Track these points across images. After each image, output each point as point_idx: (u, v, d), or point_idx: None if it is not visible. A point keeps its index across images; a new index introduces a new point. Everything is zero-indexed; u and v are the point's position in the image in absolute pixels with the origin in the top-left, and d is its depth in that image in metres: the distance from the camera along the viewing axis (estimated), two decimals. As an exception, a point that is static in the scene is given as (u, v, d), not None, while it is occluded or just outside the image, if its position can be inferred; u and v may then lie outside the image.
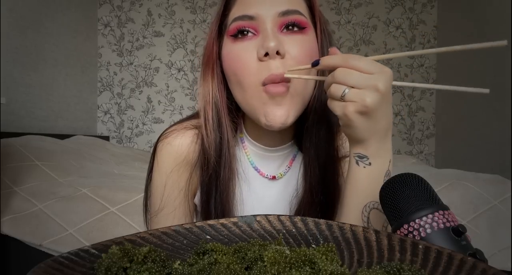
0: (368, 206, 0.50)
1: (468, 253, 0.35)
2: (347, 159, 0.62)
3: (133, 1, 3.16)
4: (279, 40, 0.53)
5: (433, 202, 0.40)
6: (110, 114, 3.17)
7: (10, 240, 1.35)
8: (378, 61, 0.46)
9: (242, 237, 0.37)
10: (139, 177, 1.71)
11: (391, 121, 0.48)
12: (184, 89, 3.18)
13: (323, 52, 0.60)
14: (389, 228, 0.48)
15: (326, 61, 0.47)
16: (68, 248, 1.24)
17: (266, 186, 0.66)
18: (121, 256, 0.29)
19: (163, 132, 0.65)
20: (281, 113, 0.54)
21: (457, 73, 2.80)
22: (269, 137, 0.64)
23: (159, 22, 3.17)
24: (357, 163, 0.49)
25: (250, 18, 0.54)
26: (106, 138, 3.03)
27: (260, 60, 0.53)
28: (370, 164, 0.49)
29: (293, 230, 0.38)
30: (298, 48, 0.54)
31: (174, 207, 0.62)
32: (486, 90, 0.43)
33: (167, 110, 3.17)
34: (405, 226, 0.38)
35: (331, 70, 0.47)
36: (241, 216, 0.39)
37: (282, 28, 0.55)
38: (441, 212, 0.38)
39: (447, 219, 0.38)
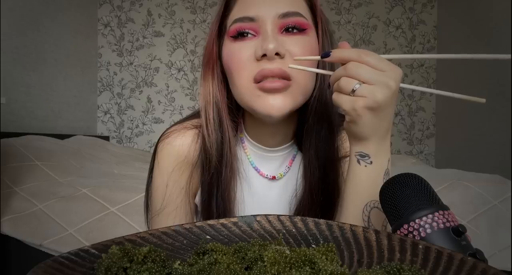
0: (369, 206, 0.50)
1: (468, 253, 0.35)
2: (347, 159, 0.62)
3: (133, 1, 3.16)
4: (279, 41, 0.53)
5: (433, 202, 0.39)
6: (110, 114, 3.17)
7: (10, 240, 1.35)
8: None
9: (242, 237, 0.37)
10: (139, 177, 1.71)
11: (392, 120, 0.48)
12: (184, 89, 3.18)
13: (324, 50, 0.60)
14: (389, 227, 0.48)
15: (338, 53, 0.46)
16: (68, 248, 1.24)
17: (266, 186, 0.66)
18: (121, 256, 0.29)
19: (164, 132, 0.65)
20: (277, 102, 0.54)
21: (457, 73, 2.80)
22: (269, 137, 0.64)
23: (159, 22, 3.17)
24: (358, 162, 0.49)
25: (251, 19, 0.54)
26: (106, 138, 3.03)
27: (257, 60, 0.53)
28: (371, 163, 0.49)
29: (293, 230, 0.38)
30: (298, 47, 0.54)
31: (175, 206, 0.62)
32: (483, 100, 0.44)
33: (167, 110, 3.17)
34: (405, 226, 0.38)
35: (337, 64, 0.48)
36: (241, 216, 0.39)
37: (282, 30, 0.54)
38: (441, 212, 0.38)
39: (447, 219, 0.38)
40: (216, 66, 0.61)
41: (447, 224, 0.37)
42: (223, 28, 0.60)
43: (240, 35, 0.55)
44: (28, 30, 2.28)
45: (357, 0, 3.13)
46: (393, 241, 0.34)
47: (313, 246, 0.35)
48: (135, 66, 3.17)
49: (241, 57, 0.55)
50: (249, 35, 0.55)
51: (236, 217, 0.39)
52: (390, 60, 0.46)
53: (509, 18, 2.15)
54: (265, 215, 0.39)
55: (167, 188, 0.62)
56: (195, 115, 0.67)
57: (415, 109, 3.12)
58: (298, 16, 0.55)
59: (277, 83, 0.53)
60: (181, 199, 0.63)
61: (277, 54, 0.52)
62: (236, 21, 0.55)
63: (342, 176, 0.64)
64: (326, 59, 0.47)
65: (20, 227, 1.33)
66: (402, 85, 0.47)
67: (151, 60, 3.17)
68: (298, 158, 0.66)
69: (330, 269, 0.27)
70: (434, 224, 0.37)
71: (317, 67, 0.59)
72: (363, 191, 0.50)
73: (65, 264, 0.28)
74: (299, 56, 0.54)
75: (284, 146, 0.65)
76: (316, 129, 0.61)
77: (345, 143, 0.65)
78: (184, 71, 3.17)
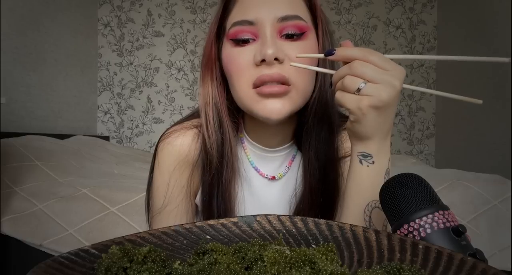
0: (370, 206, 0.50)
1: (468, 253, 0.35)
2: (347, 159, 0.62)
3: (133, 1, 3.16)
4: (278, 46, 0.53)
5: (433, 202, 0.39)
6: (110, 114, 3.17)
7: (10, 240, 1.35)
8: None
9: (242, 237, 0.37)
10: (139, 177, 1.71)
11: (393, 120, 0.49)
12: (184, 89, 3.18)
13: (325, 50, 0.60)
14: (389, 227, 0.48)
15: (342, 51, 0.45)
16: (68, 248, 1.24)
17: (265, 186, 0.66)
18: (121, 256, 0.29)
19: (164, 132, 0.65)
20: (277, 106, 0.54)
21: (457, 73, 2.80)
22: (269, 138, 0.64)
23: (159, 22, 3.17)
24: (360, 162, 0.49)
25: (250, 23, 0.54)
26: (106, 138, 3.03)
27: (257, 65, 0.53)
28: (373, 162, 0.49)
29: (293, 230, 0.38)
30: (297, 52, 0.54)
31: (176, 205, 0.63)
32: (479, 101, 0.44)
33: (167, 110, 3.17)
34: (405, 226, 0.38)
35: (337, 63, 0.48)
36: (241, 216, 0.39)
37: (282, 35, 0.54)
38: (441, 212, 0.38)
39: (447, 219, 0.38)
40: (215, 67, 0.61)
41: (447, 224, 0.37)
42: (222, 29, 0.60)
43: (241, 41, 0.55)
44: (28, 30, 2.28)
45: (357, 0, 3.13)
46: (393, 241, 0.34)
47: (313, 246, 0.35)
48: (135, 66, 3.17)
49: (240, 62, 0.55)
50: (249, 40, 0.55)
51: (236, 217, 0.39)
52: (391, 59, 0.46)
53: (509, 18, 2.15)
54: (265, 215, 0.39)
55: (168, 187, 0.62)
56: (195, 114, 0.67)
57: (415, 109, 3.12)
58: (297, 19, 0.54)
59: (276, 88, 0.53)
60: (181, 197, 0.63)
61: (276, 59, 0.53)
62: (235, 24, 0.55)
63: (342, 176, 0.64)
64: (330, 57, 0.46)
65: (20, 227, 1.33)
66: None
67: (151, 60, 3.17)
68: (298, 158, 0.66)
69: (330, 269, 0.27)
70: (434, 224, 0.37)
71: (318, 66, 0.59)
72: (365, 191, 0.50)
73: (65, 264, 0.28)
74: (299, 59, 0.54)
75: (284, 146, 0.65)
76: (316, 130, 0.61)
77: (345, 143, 0.65)
78: (184, 71, 3.17)
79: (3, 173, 1.44)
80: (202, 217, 0.65)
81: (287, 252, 0.30)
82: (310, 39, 0.56)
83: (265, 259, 0.29)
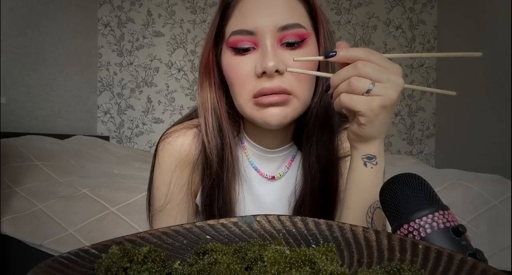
0: (373, 206, 0.50)
1: (468, 253, 0.35)
2: (346, 158, 0.63)
3: (133, 1, 3.16)
4: (279, 57, 0.53)
5: (433, 202, 0.39)
6: (110, 114, 3.17)
7: (10, 240, 1.35)
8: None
9: (242, 237, 0.37)
10: (139, 177, 1.71)
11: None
12: (184, 89, 3.18)
13: None
14: (388, 226, 0.48)
15: (345, 53, 0.44)
16: (68, 248, 1.24)
17: (265, 186, 0.66)
18: (121, 256, 0.29)
19: (164, 132, 0.65)
20: (277, 114, 0.54)
21: (457, 73, 2.80)
22: (269, 139, 0.64)
23: (159, 22, 3.17)
24: (365, 164, 0.49)
25: (249, 32, 0.54)
26: (106, 138, 3.03)
27: (257, 76, 0.53)
28: (376, 163, 0.49)
29: (293, 230, 0.38)
30: (298, 63, 0.54)
31: (176, 203, 0.63)
32: (453, 92, 0.45)
33: (167, 110, 3.17)
34: (405, 226, 0.38)
35: (332, 66, 0.47)
36: (241, 216, 0.39)
37: (282, 43, 0.54)
38: (441, 212, 0.38)
39: (447, 219, 0.38)
40: (213, 73, 0.61)
41: (447, 224, 0.37)
42: (221, 35, 0.59)
43: (241, 50, 0.55)
44: (28, 30, 2.28)
45: (357, 0, 3.13)
46: (393, 241, 0.34)
47: (313, 246, 0.35)
48: (135, 66, 3.17)
49: (241, 72, 0.55)
50: (249, 49, 0.55)
51: (236, 217, 0.39)
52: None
53: (509, 18, 2.15)
54: (265, 215, 0.39)
55: (168, 186, 0.62)
56: (194, 114, 0.67)
57: (415, 109, 3.12)
58: (298, 28, 0.54)
59: (275, 98, 0.53)
60: (182, 196, 0.63)
61: (276, 71, 0.52)
62: (235, 33, 0.55)
63: (341, 176, 0.64)
64: (332, 59, 0.45)
65: (20, 227, 1.33)
66: None
67: (151, 60, 3.17)
68: (298, 158, 0.66)
69: (330, 269, 0.27)
70: (434, 224, 0.37)
71: (318, 69, 0.59)
72: (368, 192, 0.50)
73: (65, 264, 0.28)
74: (298, 67, 0.53)
75: (284, 147, 0.65)
76: (317, 134, 0.61)
77: (344, 143, 0.65)
78: (184, 71, 3.17)
79: (3, 173, 1.44)
80: (202, 218, 0.65)
81: (287, 252, 0.30)
82: (310, 45, 0.56)
83: (265, 259, 0.29)
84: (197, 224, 0.38)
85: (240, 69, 0.55)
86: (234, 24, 0.56)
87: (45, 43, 2.45)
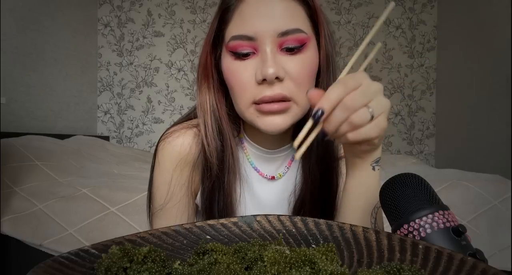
0: (376, 207, 0.50)
1: (468, 253, 0.35)
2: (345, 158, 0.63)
3: (133, 1, 3.16)
4: (279, 63, 0.53)
5: (433, 202, 0.40)
6: (110, 114, 3.17)
7: (10, 240, 1.35)
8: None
9: (242, 237, 0.37)
10: (139, 177, 1.71)
11: None
12: (184, 89, 3.18)
13: (328, 56, 0.59)
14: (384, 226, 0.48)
15: (327, 103, 0.41)
16: (68, 248, 1.24)
17: (265, 186, 0.66)
18: (121, 256, 0.29)
19: (164, 132, 0.65)
20: (277, 121, 0.54)
21: (457, 73, 2.80)
22: (269, 140, 0.64)
23: (159, 22, 3.17)
24: (373, 168, 0.49)
25: (249, 38, 0.53)
26: (106, 138, 3.03)
27: (258, 83, 0.53)
28: (379, 164, 0.49)
29: (293, 230, 0.38)
30: (298, 69, 0.54)
31: (176, 201, 0.63)
32: (379, 44, 0.46)
33: (167, 110, 3.17)
34: (405, 226, 0.38)
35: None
36: (241, 216, 0.39)
37: (282, 48, 0.54)
38: (441, 212, 0.38)
39: (447, 219, 0.38)
40: (212, 76, 0.61)
41: (447, 224, 0.37)
42: (220, 38, 0.59)
43: (241, 55, 0.55)
44: (28, 30, 2.28)
45: (357, 0, 3.13)
46: (393, 241, 0.34)
47: (313, 246, 0.35)
48: (135, 66, 3.17)
49: (242, 78, 0.55)
50: (249, 54, 0.54)
51: (236, 217, 0.39)
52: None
53: (509, 18, 2.15)
54: (265, 215, 0.39)
55: (168, 186, 0.62)
56: (192, 113, 0.67)
57: (415, 109, 3.12)
58: (298, 33, 0.54)
59: (275, 106, 0.53)
60: (181, 195, 0.63)
61: (276, 77, 0.52)
62: (234, 38, 0.55)
63: (341, 176, 0.64)
64: (324, 117, 0.41)
65: (20, 227, 1.33)
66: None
67: (151, 60, 3.17)
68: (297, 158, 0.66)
69: (330, 269, 0.27)
70: (434, 224, 0.37)
71: (318, 74, 0.59)
72: (374, 194, 0.50)
73: (65, 264, 0.28)
74: (297, 79, 0.53)
75: (283, 147, 0.65)
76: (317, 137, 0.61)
77: None
78: (184, 71, 3.17)
79: (3, 173, 1.44)
80: (203, 219, 0.65)
81: (287, 252, 0.30)
82: (310, 50, 0.56)
83: (265, 259, 0.29)
84: (197, 224, 0.38)
85: (241, 75, 0.55)
86: (234, 28, 0.55)
87: (45, 43, 2.45)
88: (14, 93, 2.16)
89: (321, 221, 0.39)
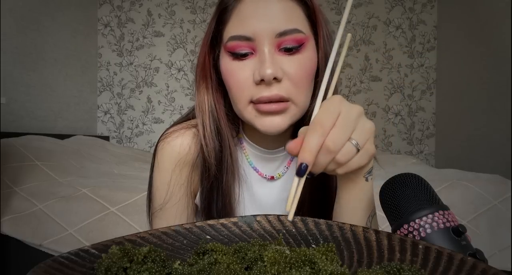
0: (370, 215, 0.50)
1: (468, 253, 0.35)
2: None
3: (133, 1, 3.16)
4: (277, 63, 0.53)
5: (433, 202, 0.40)
6: (110, 114, 3.17)
7: (10, 240, 1.35)
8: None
9: (242, 237, 0.37)
10: (139, 177, 1.71)
11: None
12: (184, 89, 3.18)
13: (326, 56, 0.59)
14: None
15: (309, 155, 0.38)
16: (68, 248, 1.24)
17: (264, 186, 0.66)
18: (121, 256, 0.29)
19: (164, 132, 0.65)
20: (275, 122, 0.54)
21: (457, 73, 2.80)
22: (268, 140, 0.64)
23: (159, 22, 3.17)
24: (366, 179, 0.48)
25: (247, 39, 0.53)
26: (106, 138, 3.03)
27: (256, 84, 0.54)
28: (372, 173, 0.49)
29: (293, 230, 0.38)
30: (296, 69, 0.54)
31: (176, 201, 0.63)
32: (349, 35, 0.44)
33: (167, 110, 3.17)
34: (405, 226, 0.38)
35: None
36: (241, 216, 0.39)
37: (280, 48, 0.54)
38: (441, 212, 0.38)
39: (447, 219, 0.38)
40: (210, 76, 0.61)
41: (447, 224, 0.37)
42: (218, 38, 0.59)
43: (239, 55, 0.55)
44: (28, 30, 2.28)
45: (357, 0, 3.13)
46: (393, 241, 0.34)
47: (313, 246, 0.35)
48: (135, 66, 3.17)
49: (240, 78, 0.55)
50: (247, 54, 0.54)
51: (236, 217, 0.39)
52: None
53: (509, 18, 2.15)
54: (265, 215, 0.39)
55: (167, 185, 0.62)
56: (192, 114, 0.67)
57: (415, 109, 3.12)
58: (296, 33, 0.53)
59: (274, 106, 0.53)
60: (181, 194, 0.63)
61: (274, 78, 0.52)
62: (232, 38, 0.55)
63: None
64: (312, 169, 0.40)
65: (20, 227, 1.33)
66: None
67: (151, 60, 3.17)
68: (297, 158, 0.66)
69: (330, 269, 0.27)
70: (434, 224, 0.37)
71: (317, 73, 0.59)
72: (370, 203, 0.49)
73: (65, 264, 0.28)
74: (295, 79, 0.53)
75: (283, 148, 0.65)
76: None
77: None
78: (184, 71, 3.17)
79: (3, 173, 1.44)
80: (202, 219, 0.65)
81: (287, 252, 0.30)
82: (309, 50, 0.56)
83: (265, 259, 0.29)
84: (197, 224, 0.38)
85: (239, 75, 0.55)
86: (232, 29, 0.55)
87: (45, 43, 2.45)
88: (14, 93, 2.16)
89: (321, 221, 0.39)
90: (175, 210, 0.63)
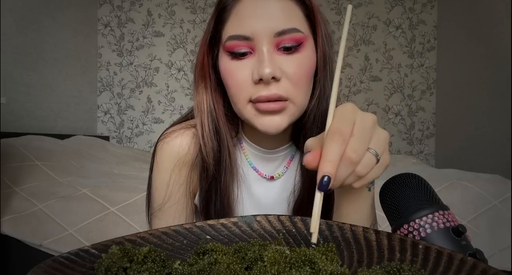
0: (372, 224, 0.50)
1: (468, 253, 0.35)
2: None
3: (133, 1, 3.16)
4: (275, 63, 0.53)
5: (433, 202, 0.40)
6: (110, 114, 3.17)
7: (10, 240, 1.35)
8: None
9: (242, 237, 0.37)
10: (139, 177, 1.71)
11: None
12: (184, 89, 3.18)
13: (325, 56, 0.59)
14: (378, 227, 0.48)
15: (331, 166, 0.35)
16: (68, 248, 1.24)
17: (264, 186, 0.66)
18: (121, 256, 0.29)
19: (163, 132, 0.65)
20: (275, 121, 0.54)
21: (457, 73, 2.80)
22: (267, 140, 0.64)
23: (159, 22, 3.17)
24: (369, 189, 0.48)
25: (246, 38, 0.54)
26: (106, 138, 3.03)
27: (254, 83, 0.54)
28: (374, 183, 0.48)
29: (293, 230, 0.38)
30: (294, 68, 0.54)
31: (175, 201, 0.63)
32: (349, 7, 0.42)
33: (167, 110, 3.17)
34: (405, 226, 0.39)
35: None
36: (241, 216, 0.39)
37: (279, 48, 0.54)
38: (441, 212, 0.38)
39: (447, 219, 0.38)
40: (209, 76, 0.61)
41: (447, 224, 0.37)
42: (217, 38, 0.59)
43: (238, 55, 0.55)
44: (28, 30, 2.28)
45: (357, 0, 3.13)
46: (393, 241, 0.34)
47: (313, 246, 0.35)
48: (135, 66, 3.17)
49: (238, 78, 0.55)
50: (246, 53, 0.55)
51: (236, 217, 0.39)
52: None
53: (509, 18, 2.15)
54: (265, 215, 0.39)
55: (166, 185, 0.62)
56: (190, 114, 0.67)
57: (415, 109, 3.12)
58: (294, 32, 0.54)
59: (272, 105, 0.53)
60: (180, 194, 0.63)
61: (273, 77, 0.52)
62: (231, 38, 0.55)
63: None
64: (334, 184, 0.36)
65: (20, 227, 1.33)
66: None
67: (151, 60, 3.17)
68: (297, 158, 0.66)
69: (330, 269, 0.27)
70: (434, 224, 0.37)
71: (315, 72, 0.58)
72: (369, 214, 0.49)
73: (65, 264, 0.28)
74: (294, 79, 0.53)
75: (282, 147, 0.65)
76: (315, 135, 0.61)
77: None
78: (184, 71, 3.17)
79: (3, 173, 1.44)
80: (201, 219, 0.65)
81: (287, 252, 0.30)
82: (307, 49, 0.56)
83: (265, 259, 0.29)
84: (197, 224, 0.38)
85: (238, 75, 0.55)
86: (231, 28, 0.55)
87: (45, 43, 2.45)
88: (14, 93, 2.16)
89: (321, 221, 0.38)
90: (174, 210, 0.63)
